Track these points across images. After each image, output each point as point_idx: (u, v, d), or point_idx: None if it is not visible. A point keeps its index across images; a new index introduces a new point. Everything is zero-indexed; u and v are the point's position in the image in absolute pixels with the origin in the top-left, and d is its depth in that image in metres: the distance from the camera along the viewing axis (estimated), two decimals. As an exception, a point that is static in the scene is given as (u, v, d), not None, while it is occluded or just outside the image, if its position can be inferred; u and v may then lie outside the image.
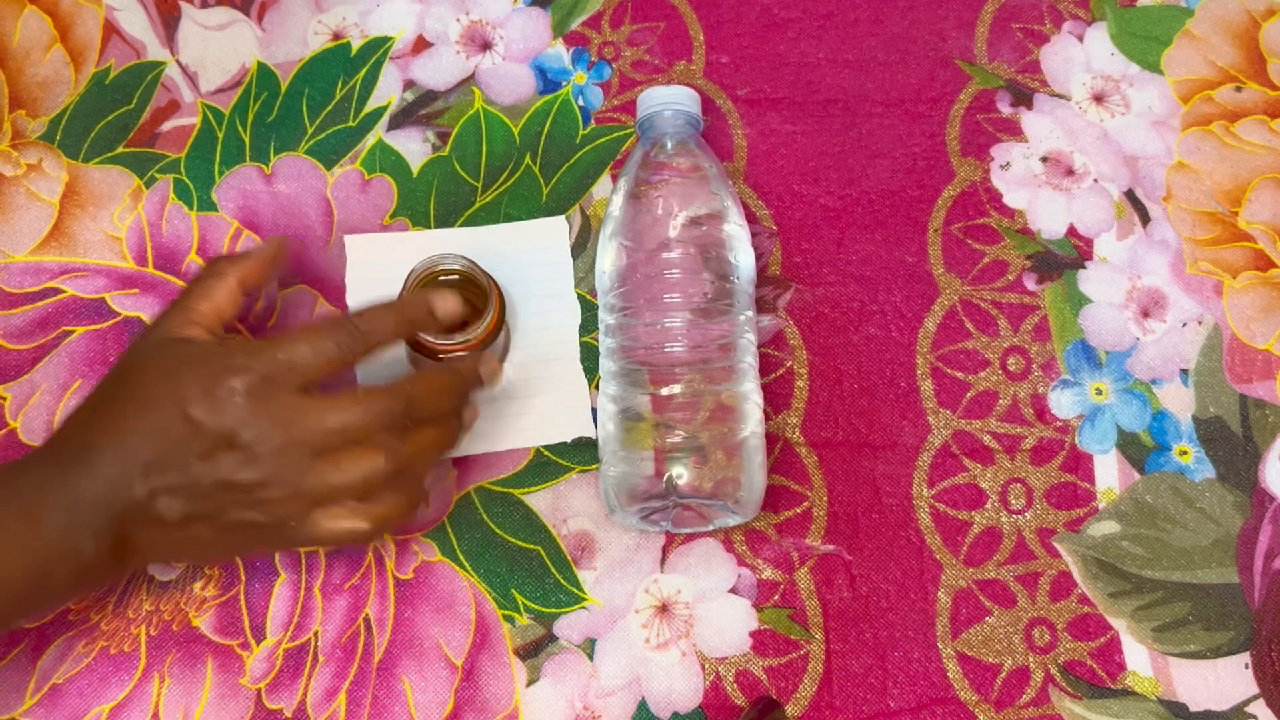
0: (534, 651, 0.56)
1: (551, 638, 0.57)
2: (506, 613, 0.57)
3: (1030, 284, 0.64)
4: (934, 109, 0.68)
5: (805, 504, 0.59)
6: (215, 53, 0.68)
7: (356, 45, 0.68)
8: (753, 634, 0.57)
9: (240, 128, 0.66)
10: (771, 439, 0.60)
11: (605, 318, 0.59)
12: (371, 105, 0.66)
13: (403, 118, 0.66)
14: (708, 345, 0.56)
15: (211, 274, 0.51)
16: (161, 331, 0.49)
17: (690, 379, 0.55)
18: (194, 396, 0.45)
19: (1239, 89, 0.69)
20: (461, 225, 0.64)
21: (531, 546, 0.58)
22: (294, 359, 0.46)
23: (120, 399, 0.47)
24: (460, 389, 0.52)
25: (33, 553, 0.44)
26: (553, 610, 0.57)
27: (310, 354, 0.46)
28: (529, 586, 0.57)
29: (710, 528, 0.57)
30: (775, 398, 0.61)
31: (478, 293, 0.57)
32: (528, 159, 0.66)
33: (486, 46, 0.68)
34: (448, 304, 0.52)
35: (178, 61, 0.67)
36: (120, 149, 0.65)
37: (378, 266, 0.62)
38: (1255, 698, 0.57)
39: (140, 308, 0.61)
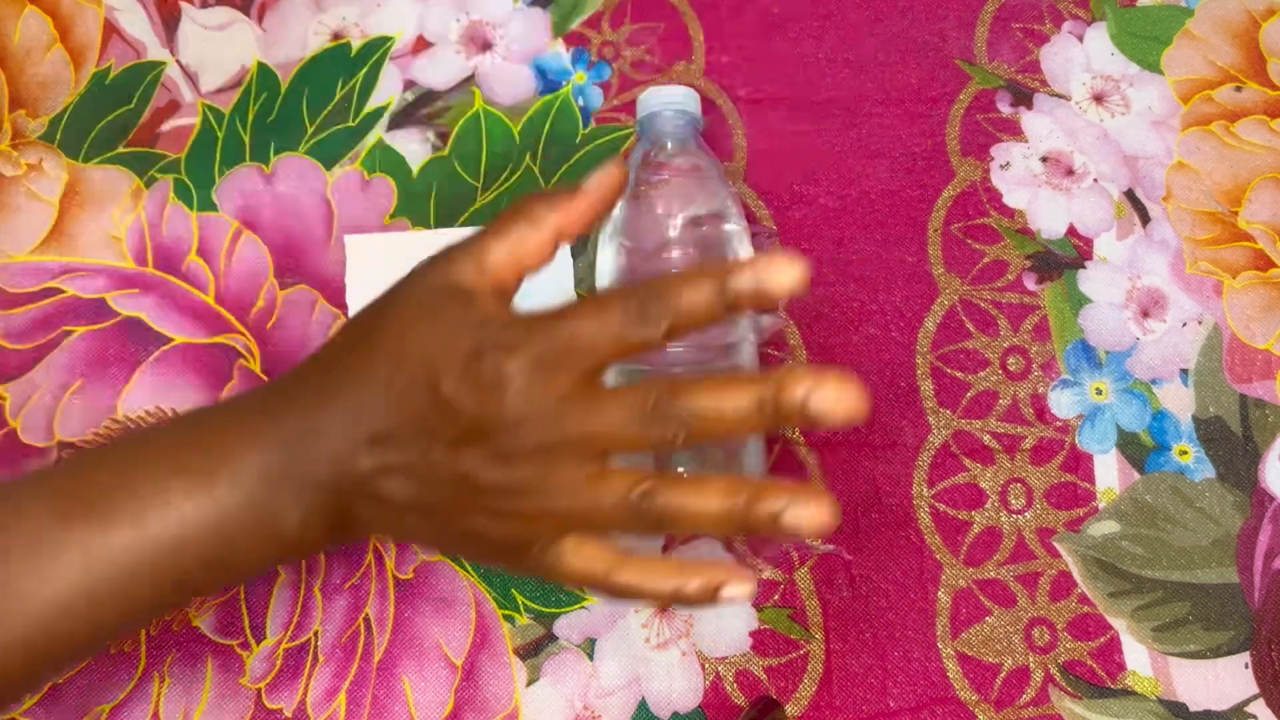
0: (534, 651, 0.56)
1: (551, 637, 0.57)
2: (506, 612, 0.57)
3: (1030, 284, 0.64)
4: (934, 109, 0.68)
5: (805, 504, 0.59)
6: (215, 53, 0.68)
7: (356, 45, 0.68)
8: (753, 634, 0.57)
9: (240, 128, 0.66)
10: (771, 439, 0.60)
11: (605, 318, 0.58)
12: (371, 105, 0.66)
13: (403, 118, 0.66)
14: (708, 345, 0.56)
15: (522, 216, 0.41)
16: (441, 274, 0.40)
17: (690, 379, 0.55)
18: (453, 369, 0.37)
19: (1239, 89, 0.69)
20: (462, 225, 0.64)
21: (531, 546, 0.58)
22: (576, 339, 0.36)
23: (369, 348, 0.39)
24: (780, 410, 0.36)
25: (211, 517, 0.38)
26: (553, 610, 0.57)
27: (599, 332, 0.36)
28: (529, 586, 0.57)
29: (710, 528, 0.57)
30: (775, 398, 0.61)
31: (478, 293, 0.56)
32: (528, 159, 0.66)
33: (486, 46, 0.68)
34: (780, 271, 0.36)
35: (178, 61, 0.67)
36: (120, 149, 0.65)
37: (378, 267, 0.62)
38: (1255, 698, 0.57)
39: (140, 308, 0.61)
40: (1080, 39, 0.70)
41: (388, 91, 0.67)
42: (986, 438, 0.61)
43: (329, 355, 0.41)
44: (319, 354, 0.41)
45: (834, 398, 0.36)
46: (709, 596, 0.37)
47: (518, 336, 0.37)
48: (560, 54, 0.68)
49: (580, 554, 0.38)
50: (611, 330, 0.36)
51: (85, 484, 0.40)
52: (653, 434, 0.36)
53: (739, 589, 0.37)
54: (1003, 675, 0.57)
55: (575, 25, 0.69)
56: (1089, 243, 0.65)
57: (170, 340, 0.61)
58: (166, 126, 0.66)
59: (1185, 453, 0.61)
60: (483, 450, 0.36)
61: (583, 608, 0.57)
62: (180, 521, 0.38)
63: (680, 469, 0.54)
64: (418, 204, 0.64)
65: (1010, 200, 0.66)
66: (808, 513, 0.35)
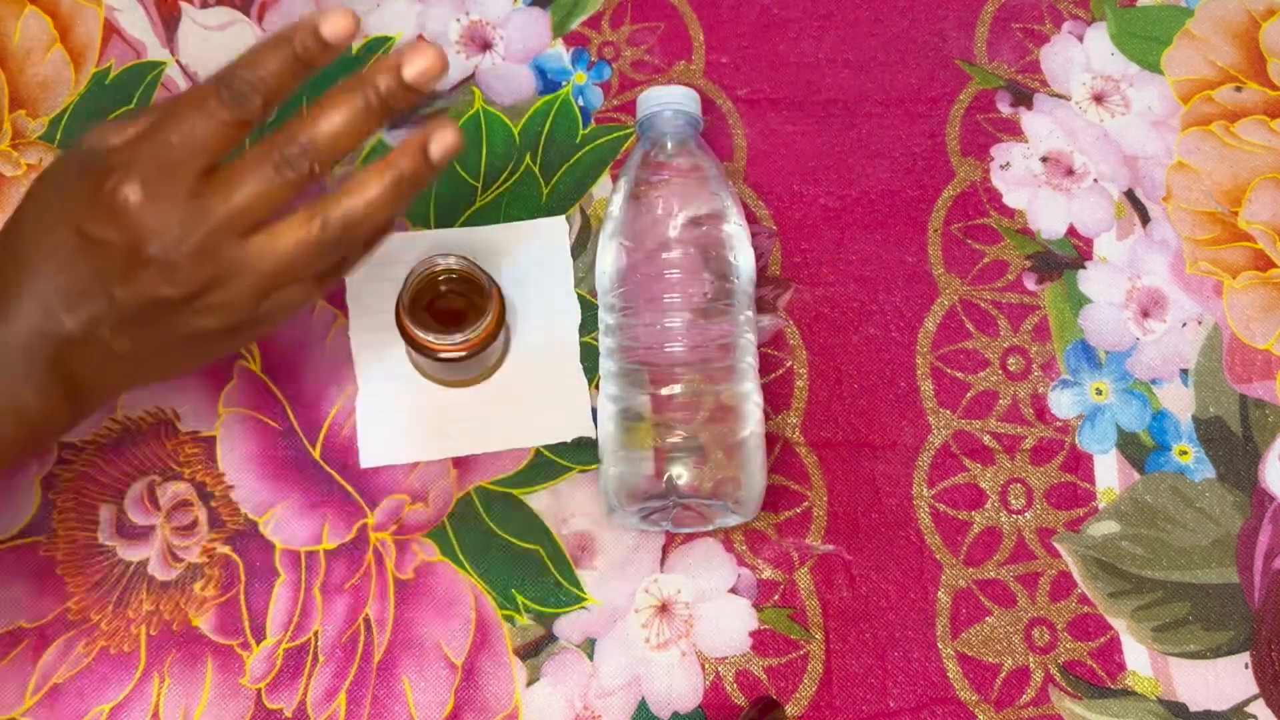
0: (534, 651, 0.56)
1: (551, 638, 0.57)
2: (506, 613, 0.57)
3: (1030, 284, 0.64)
4: (934, 109, 0.68)
5: (805, 504, 0.59)
6: (215, 53, 0.67)
7: (357, 45, 0.68)
8: (753, 634, 0.57)
9: (240, 128, 0.66)
10: (771, 439, 0.60)
11: (605, 318, 0.59)
12: (371, 105, 0.66)
13: (403, 118, 0.66)
14: (708, 345, 0.56)
15: (191, 104, 0.40)
16: (61, 157, 0.43)
17: (690, 379, 0.55)
18: (85, 212, 0.40)
19: (1239, 89, 0.69)
20: (461, 225, 0.64)
21: (531, 546, 0.58)
22: (183, 137, 0.39)
23: (18, 236, 0.42)
24: (381, 109, 0.40)
25: None
26: (553, 610, 0.57)
27: (201, 124, 0.39)
28: (529, 586, 0.57)
29: (710, 528, 0.57)
30: (775, 398, 0.61)
31: (477, 293, 0.57)
32: (528, 159, 0.66)
33: (486, 46, 0.68)
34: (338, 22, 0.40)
35: (178, 62, 0.67)
36: (120, 149, 0.65)
37: (377, 266, 0.62)
38: (1255, 698, 0.57)
39: (140, 308, 0.61)
40: (1080, 39, 0.70)
41: (388, 91, 0.67)
42: (986, 438, 0.61)
43: (7, 242, 0.43)
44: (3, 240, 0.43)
45: (419, 62, 0.39)
46: (419, 154, 0.41)
47: (127, 155, 0.39)
48: (560, 54, 0.68)
49: (282, 301, 0.42)
50: (213, 119, 0.39)
51: None
52: (289, 178, 0.39)
53: (443, 138, 0.41)
54: (1003, 675, 0.57)
55: (575, 25, 0.69)
56: (1089, 243, 0.65)
57: (170, 340, 0.61)
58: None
59: (1185, 453, 0.61)
60: (152, 271, 0.39)
61: (583, 608, 0.57)
62: None
63: (680, 469, 0.54)
64: (418, 204, 0.64)
65: (1010, 200, 0.66)
66: (421, 59, 0.39)
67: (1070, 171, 0.67)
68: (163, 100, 0.41)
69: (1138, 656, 0.57)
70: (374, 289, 0.61)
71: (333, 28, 0.40)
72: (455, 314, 0.57)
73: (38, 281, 0.41)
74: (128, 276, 0.40)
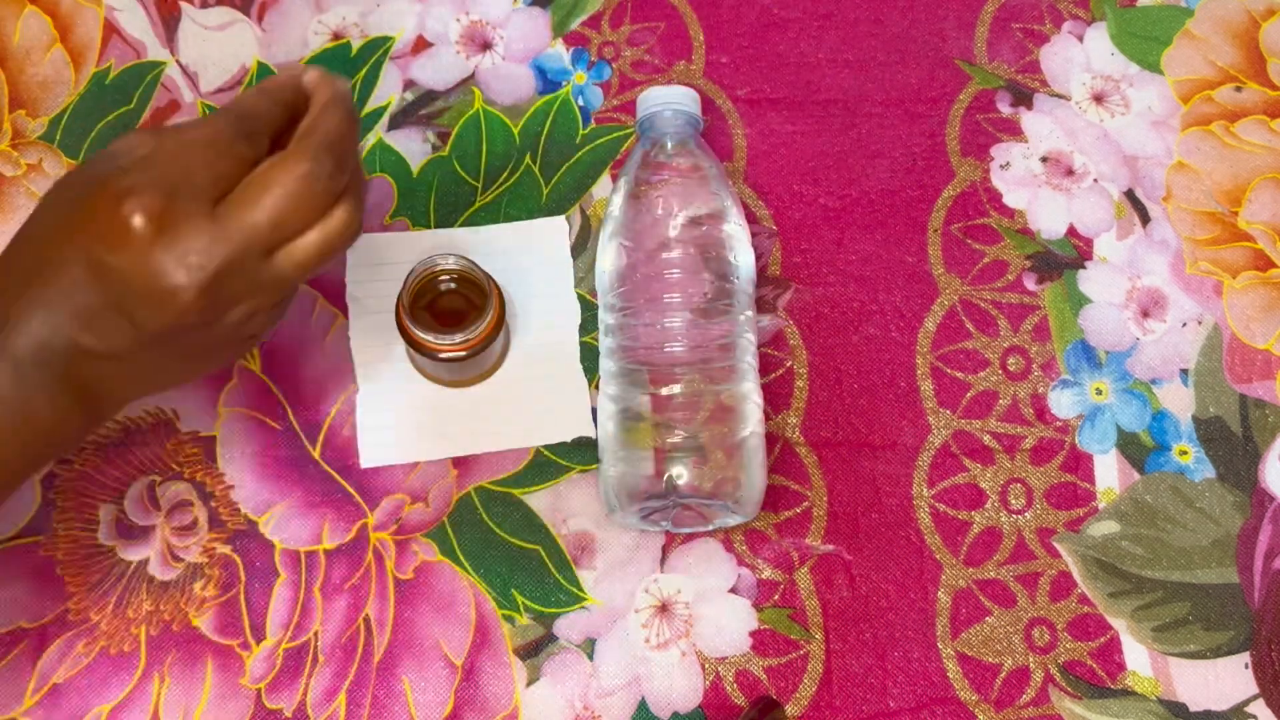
0: (534, 651, 0.56)
1: (551, 637, 0.57)
2: (506, 613, 0.57)
3: (1030, 284, 0.64)
4: (934, 109, 0.68)
5: (805, 504, 0.59)
6: (215, 53, 0.67)
7: (356, 45, 0.68)
8: (753, 634, 0.57)
9: (240, 128, 0.66)
10: (771, 439, 0.60)
11: (605, 318, 0.59)
12: (371, 105, 0.66)
13: (403, 118, 0.66)
14: (708, 345, 0.56)
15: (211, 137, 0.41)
16: (77, 175, 0.42)
17: (690, 379, 0.55)
18: (99, 238, 0.39)
19: (1239, 89, 0.69)
20: (461, 225, 0.64)
21: (531, 546, 0.58)
22: (192, 169, 0.39)
23: (28, 252, 0.42)
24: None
25: None
26: (553, 610, 0.57)
27: (209, 154, 0.40)
28: (529, 586, 0.57)
29: (710, 528, 0.57)
30: (775, 398, 0.61)
31: (477, 293, 0.57)
32: (528, 159, 0.66)
33: (486, 46, 0.68)
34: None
35: (178, 62, 0.67)
36: (120, 149, 0.65)
37: (378, 266, 0.62)
38: (1255, 698, 0.57)
39: (140, 308, 0.61)
40: (1080, 39, 0.70)
41: (388, 91, 0.67)
42: (986, 438, 0.61)
43: (13, 257, 0.43)
44: (8, 255, 0.43)
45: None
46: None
47: (142, 181, 0.39)
48: (560, 54, 0.68)
49: (296, 258, 0.41)
50: (224, 151, 0.40)
51: None
52: (322, 186, 0.40)
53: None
54: (1003, 675, 0.57)
55: (575, 25, 0.69)
56: (1089, 243, 0.65)
57: (170, 340, 0.61)
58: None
59: (1185, 453, 0.61)
60: (175, 300, 0.39)
61: (583, 608, 0.57)
62: None
63: (680, 469, 0.54)
64: (418, 204, 0.64)
65: (1010, 200, 0.66)
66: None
67: (1070, 171, 0.67)
68: (178, 126, 0.41)
69: (1138, 656, 0.57)
70: (374, 289, 0.61)
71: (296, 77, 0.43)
72: (455, 314, 0.57)
73: (49, 298, 0.40)
74: (149, 305, 0.39)
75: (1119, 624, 0.58)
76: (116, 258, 0.39)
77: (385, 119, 0.66)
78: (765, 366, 0.61)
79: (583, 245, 0.64)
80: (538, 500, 0.59)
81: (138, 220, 0.38)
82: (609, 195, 0.62)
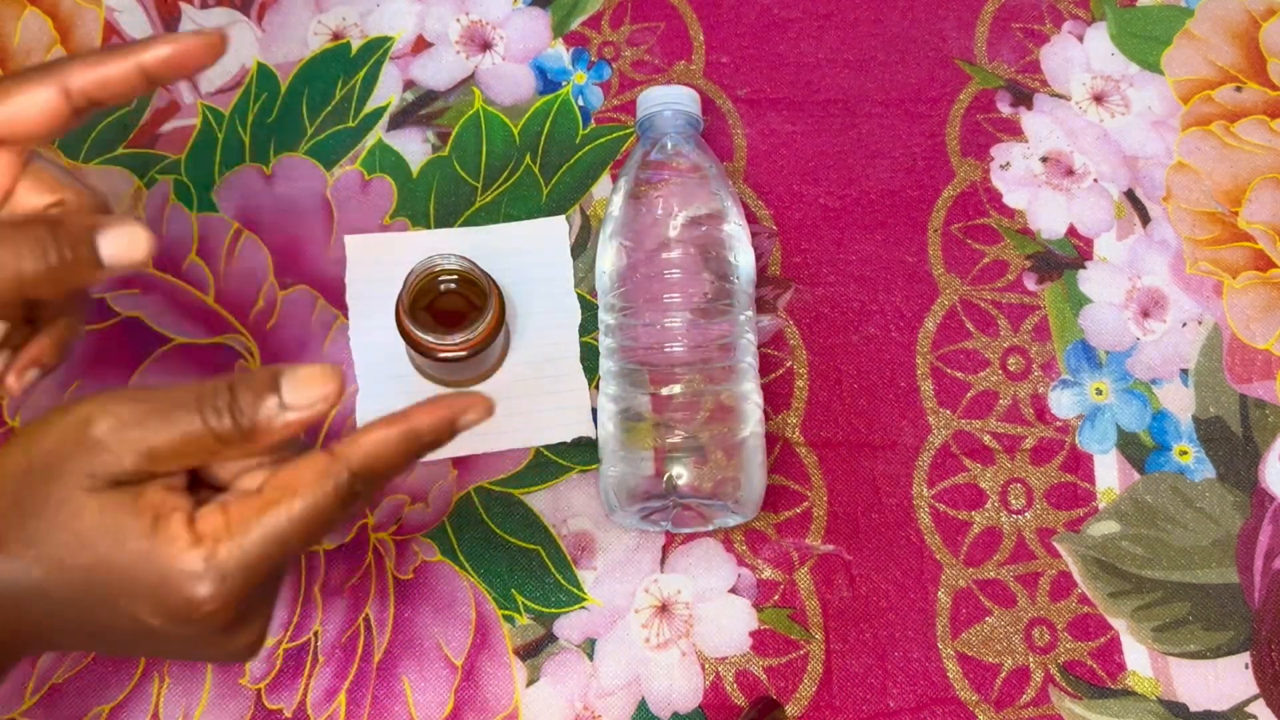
0: (534, 651, 0.56)
1: (551, 637, 0.57)
2: (506, 613, 0.57)
3: (1030, 284, 0.64)
4: (934, 109, 0.68)
5: (805, 504, 0.59)
6: (215, 53, 0.67)
7: (356, 45, 0.68)
8: (753, 634, 0.57)
9: (240, 128, 0.66)
10: (771, 439, 0.60)
11: (605, 318, 0.59)
12: (371, 105, 0.66)
13: (403, 118, 0.66)
14: (708, 345, 0.56)
15: None
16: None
17: (690, 379, 0.55)
18: (147, 607, 0.33)
19: (1239, 89, 0.69)
20: (461, 225, 0.64)
21: (531, 546, 0.58)
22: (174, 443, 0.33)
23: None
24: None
25: None
26: (553, 610, 0.57)
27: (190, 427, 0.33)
28: (529, 586, 0.57)
29: (710, 528, 0.57)
30: (775, 398, 0.61)
31: (477, 293, 0.57)
32: (528, 159, 0.66)
33: (486, 46, 0.68)
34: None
35: (178, 62, 0.67)
36: (120, 150, 0.65)
37: (378, 267, 0.62)
38: (1255, 698, 0.57)
39: (140, 307, 0.61)
40: (1080, 39, 0.70)
41: (387, 91, 0.67)
42: (986, 438, 0.61)
43: None
44: None
45: (124, 240, 0.34)
46: (447, 427, 0.36)
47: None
48: (560, 54, 0.68)
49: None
50: (201, 427, 0.33)
51: None
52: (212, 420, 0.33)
53: (475, 414, 0.36)
54: (1003, 675, 0.57)
55: (575, 25, 0.69)
56: (1089, 243, 0.65)
57: (170, 340, 0.61)
58: (167, 127, 0.66)
59: (1185, 453, 0.61)
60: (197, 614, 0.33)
61: (583, 608, 0.57)
62: None
63: (680, 469, 0.54)
64: (417, 204, 0.64)
65: (1010, 200, 0.66)
66: (116, 236, 0.33)
67: (1070, 171, 0.67)
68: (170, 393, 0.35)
69: (1138, 656, 0.57)
70: (374, 289, 0.61)
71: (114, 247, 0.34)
72: (455, 314, 0.57)
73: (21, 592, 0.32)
74: (166, 613, 0.33)
75: (1119, 624, 0.58)
76: (165, 623, 0.33)
77: (385, 119, 0.66)
78: (765, 366, 0.61)
79: (583, 245, 0.64)
80: (538, 500, 0.59)
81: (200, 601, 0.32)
82: (609, 195, 0.62)
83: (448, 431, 0.36)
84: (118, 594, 0.33)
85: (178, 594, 0.32)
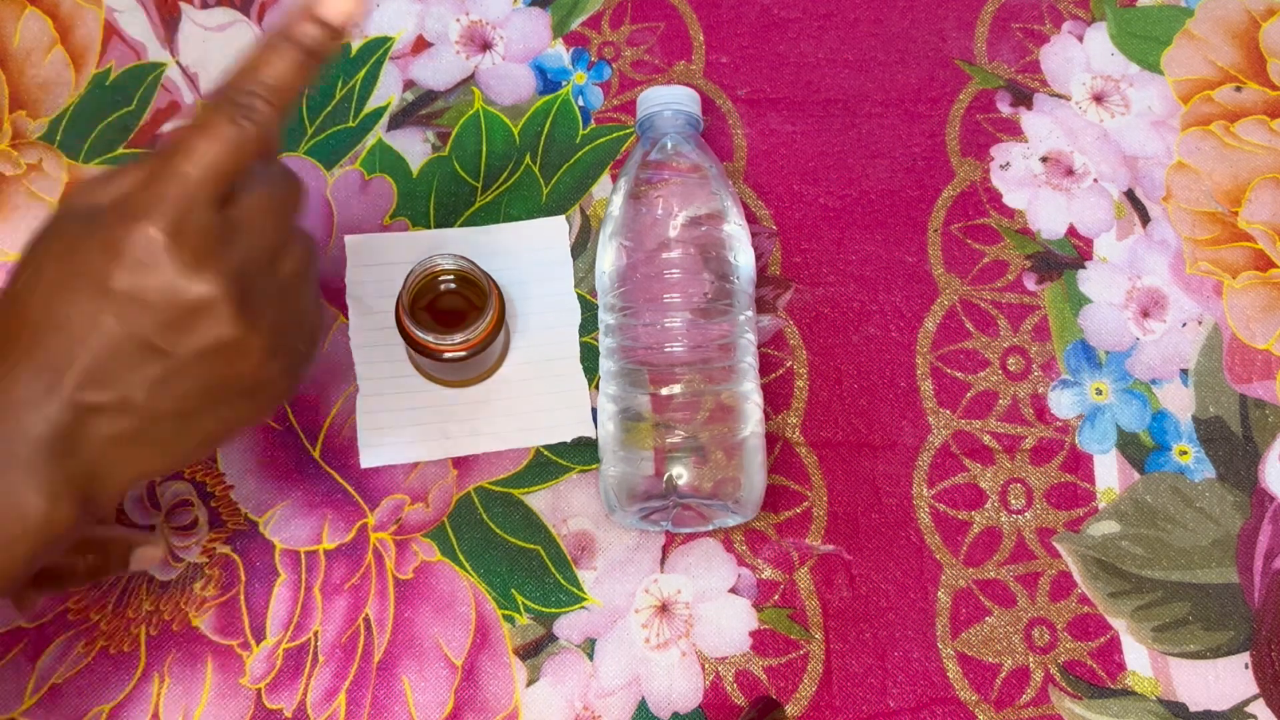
0: (534, 651, 0.56)
1: (551, 637, 0.57)
2: (506, 613, 0.57)
3: (1030, 284, 0.64)
4: (934, 109, 0.68)
5: (805, 504, 0.59)
6: (216, 54, 0.68)
7: (356, 45, 0.68)
8: (753, 634, 0.57)
9: (240, 128, 0.66)
10: (771, 439, 0.60)
11: (605, 318, 0.59)
12: (371, 105, 0.66)
13: (403, 118, 0.66)
14: (708, 345, 0.56)
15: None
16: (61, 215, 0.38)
17: (690, 379, 0.55)
18: (110, 268, 0.35)
19: (1239, 89, 0.69)
20: (461, 225, 0.64)
21: (531, 546, 0.58)
22: (199, 167, 0.36)
23: (17, 313, 0.36)
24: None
25: None
26: (553, 610, 0.57)
27: (213, 149, 0.36)
28: (529, 586, 0.57)
29: (710, 528, 0.57)
30: (775, 398, 0.61)
31: (477, 293, 0.57)
32: (528, 159, 0.66)
33: (486, 46, 0.68)
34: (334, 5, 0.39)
35: (178, 63, 0.67)
36: (121, 150, 0.65)
37: (378, 266, 0.62)
38: (1255, 698, 0.57)
39: (140, 308, 0.61)
40: (1080, 39, 0.70)
41: (387, 91, 0.67)
42: (986, 438, 0.61)
43: None
44: None
45: (338, 5, 0.39)
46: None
47: (143, 200, 0.35)
48: (560, 54, 0.68)
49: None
50: (224, 141, 0.36)
51: None
52: (249, 132, 0.37)
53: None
54: (1003, 675, 0.57)
55: (575, 25, 0.69)
56: (1089, 243, 0.65)
57: (170, 340, 0.61)
58: (167, 128, 0.66)
59: (1185, 453, 0.61)
60: (206, 313, 0.36)
61: (583, 608, 0.57)
62: None
63: (680, 469, 0.54)
64: (417, 204, 0.64)
65: (1010, 200, 0.66)
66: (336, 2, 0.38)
67: (1070, 171, 0.67)
68: (163, 142, 0.38)
69: (1138, 656, 0.57)
70: (374, 289, 0.61)
71: (334, 8, 0.38)
72: (455, 314, 0.57)
73: (39, 361, 0.35)
74: (180, 326, 0.35)
75: (1119, 624, 0.58)
76: (134, 280, 0.35)
77: (385, 119, 0.66)
78: (765, 366, 0.61)
79: (583, 245, 0.64)
80: (538, 500, 0.59)
81: (150, 238, 0.35)
82: (609, 195, 0.62)
83: (309, 19, 0.39)
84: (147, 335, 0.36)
85: (153, 270, 0.35)
